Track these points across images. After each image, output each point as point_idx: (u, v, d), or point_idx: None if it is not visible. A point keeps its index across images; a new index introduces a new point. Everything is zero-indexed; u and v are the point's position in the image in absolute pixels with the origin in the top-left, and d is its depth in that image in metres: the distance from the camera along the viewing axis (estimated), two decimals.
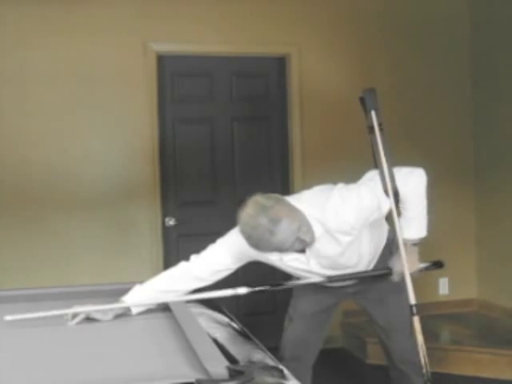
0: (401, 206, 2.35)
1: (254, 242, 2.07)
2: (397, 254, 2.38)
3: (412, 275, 2.35)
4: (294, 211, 2.13)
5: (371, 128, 2.43)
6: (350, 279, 2.44)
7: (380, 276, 2.42)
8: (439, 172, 4.58)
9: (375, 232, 2.43)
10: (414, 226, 2.38)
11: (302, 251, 2.28)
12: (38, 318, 2.11)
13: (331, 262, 2.33)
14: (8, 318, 2.08)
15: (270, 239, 2.04)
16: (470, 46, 4.84)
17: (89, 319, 2.16)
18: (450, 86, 4.81)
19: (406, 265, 2.33)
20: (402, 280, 2.36)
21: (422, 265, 2.43)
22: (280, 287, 2.44)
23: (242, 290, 2.21)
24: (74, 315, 2.14)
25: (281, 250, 2.13)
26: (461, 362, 3.95)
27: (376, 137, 2.40)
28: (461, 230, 4.86)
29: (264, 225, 2.02)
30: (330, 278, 2.37)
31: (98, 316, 2.16)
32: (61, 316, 2.14)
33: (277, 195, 2.18)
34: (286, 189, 4.40)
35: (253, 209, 2.06)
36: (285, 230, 2.05)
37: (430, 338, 4.02)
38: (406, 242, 2.36)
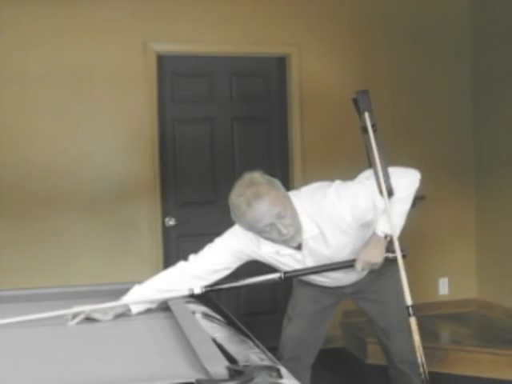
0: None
1: (233, 208, 2.17)
2: (368, 241, 2.33)
3: (372, 267, 2.32)
4: (283, 200, 2.17)
5: (365, 129, 2.43)
6: (309, 274, 2.38)
7: (345, 267, 2.35)
8: (439, 172, 4.59)
9: (371, 231, 2.42)
10: (388, 222, 2.31)
11: (298, 248, 2.29)
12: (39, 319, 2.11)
13: (329, 262, 2.34)
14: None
15: (246, 211, 2.11)
16: (470, 45, 4.84)
17: (89, 319, 2.15)
18: (449, 85, 4.81)
19: (370, 254, 2.28)
20: (365, 269, 2.33)
21: (390, 255, 2.35)
22: (236, 284, 2.32)
23: (197, 290, 2.23)
24: (74, 315, 2.14)
25: (253, 228, 2.16)
26: (461, 362, 3.95)
27: (370, 137, 2.40)
28: (461, 230, 4.86)
29: (246, 195, 2.11)
30: (287, 274, 2.32)
31: (97, 316, 2.16)
32: (61, 316, 2.14)
33: (274, 179, 2.23)
34: (286, 188, 4.37)
35: (245, 180, 2.18)
36: (262, 209, 2.10)
37: (430, 338, 4.04)
38: (376, 232, 2.32)
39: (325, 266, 2.34)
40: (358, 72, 4.53)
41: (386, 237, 2.31)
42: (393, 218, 2.29)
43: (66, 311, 2.14)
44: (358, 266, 2.30)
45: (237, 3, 4.38)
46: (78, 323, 2.13)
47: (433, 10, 4.74)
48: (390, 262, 2.39)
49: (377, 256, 2.30)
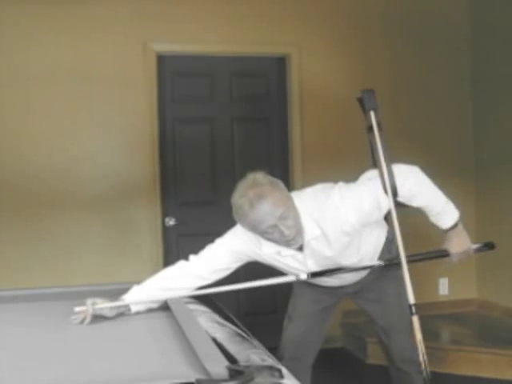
0: (424, 209, 2.41)
1: (235, 209, 2.16)
2: (448, 237, 2.44)
3: (468, 254, 2.45)
4: (286, 201, 2.17)
5: (370, 128, 2.43)
6: (413, 261, 2.46)
7: (436, 257, 2.49)
8: (439, 171, 4.54)
9: (374, 232, 2.43)
10: (446, 215, 2.43)
11: (300, 249, 2.29)
12: (42, 317, 2.11)
13: (330, 263, 2.33)
14: (77, 309, 2.14)
15: (248, 212, 2.10)
16: (470, 45, 4.84)
17: (93, 315, 2.16)
18: (449, 85, 4.81)
19: (459, 246, 2.42)
20: (460, 262, 2.45)
21: (474, 245, 2.50)
22: (337, 272, 2.40)
23: (303, 276, 2.28)
24: (84, 319, 2.15)
25: (255, 229, 2.15)
26: (461, 361, 3.95)
27: (375, 137, 2.40)
28: None
29: (249, 196, 2.10)
30: (388, 261, 2.41)
31: (104, 312, 2.18)
32: (61, 316, 2.15)
33: (277, 180, 2.22)
34: (287, 189, 4.39)
35: (248, 180, 2.17)
36: (264, 210, 2.09)
37: (430, 338, 4.03)
38: (447, 228, 2.43)
39: (417, 255, 2.50)
40: (358, 72, 4.53)
41: (456, 225, 2.44)
42: (442, 213, 2.42)
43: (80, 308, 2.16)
44: (455, 259, 2.44)
45: (237, 3, 4.38)
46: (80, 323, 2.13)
47: (433, 9, 4.74)
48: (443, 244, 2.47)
49: (463, 244, 2.45)
